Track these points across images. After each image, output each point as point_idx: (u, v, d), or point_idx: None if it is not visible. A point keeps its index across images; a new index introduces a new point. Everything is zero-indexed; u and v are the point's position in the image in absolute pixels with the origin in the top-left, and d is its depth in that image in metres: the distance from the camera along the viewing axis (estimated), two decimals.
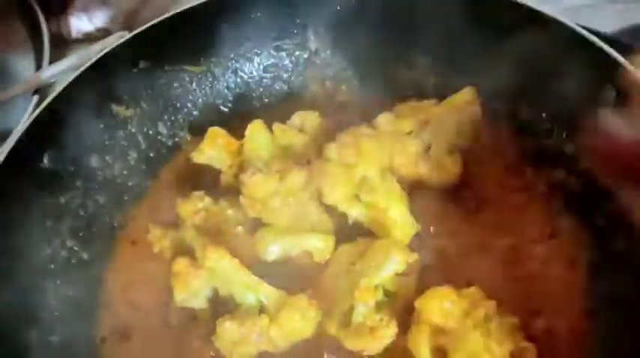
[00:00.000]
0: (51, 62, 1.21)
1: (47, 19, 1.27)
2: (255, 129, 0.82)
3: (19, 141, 0.79)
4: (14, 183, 0.78)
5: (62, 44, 1.31)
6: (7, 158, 0.77)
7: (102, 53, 0.89)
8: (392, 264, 0.71)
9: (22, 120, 1.06)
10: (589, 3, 1.18)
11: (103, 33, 1.36)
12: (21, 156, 0.79)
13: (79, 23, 1.35)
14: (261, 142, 0.82)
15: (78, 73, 0.87)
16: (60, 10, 1.34)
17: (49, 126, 0.83)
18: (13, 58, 1.29)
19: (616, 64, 0.77)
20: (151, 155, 0.96)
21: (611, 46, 0.80)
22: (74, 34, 1.35)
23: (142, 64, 0.92)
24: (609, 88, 0.78)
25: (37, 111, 0.81)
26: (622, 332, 0.72)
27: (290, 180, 0.77)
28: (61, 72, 1.19)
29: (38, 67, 1.21)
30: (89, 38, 1.35)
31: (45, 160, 0.82)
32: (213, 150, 0.86)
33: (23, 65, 1.26)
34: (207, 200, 0.84)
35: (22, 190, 0.79)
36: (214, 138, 0.86)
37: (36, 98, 1.16)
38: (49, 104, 0.83)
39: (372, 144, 0.81)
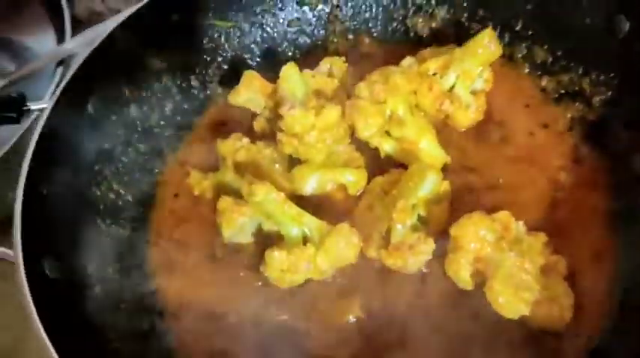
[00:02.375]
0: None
1: None
2: (290, 70, 0.86)
3: (65, 88, 0.82)
4: (63, 127, 0.81)
5: (76, 25, 1.34)
6: (54, 104, 0.80)
7: (136, 8, 0.92)
8: (428, 183, 0.75)
9: (49, 91, 1.11)
10: None
11: (115, 14, 1.39)
12: (67, 102, 0.82)
13: (92, 4, 1.39)
14: (295, 82, 0.86)
15: (113, 27, 0.90)
16: None
17: (91, 77, 0.86)
18: (35, 39, 1.32)
19: None
20: (185, 107, 1.00)
21: None
22: (88, 14, 1.39)
23: (173, 18, 0.96)
24: (622, 19, 0.83)
25: (83, 58, 0.85)
26: None
27: (326, 114, 0.82)
28: (83, 43, 1.23)
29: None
30: (102, 19, 1.38)
31: (89, 108, 0.86)
32: (249, 91, 0.91)
33: (46, 45, 1.30)
34: (245, 140, 0.88)
35: (69, 134, 0.83)
36: (250, 80, 0.91)
37: (60, 70, 1.20)
38: (90, 56, 0.87)
39: (400, 81, 0.85)
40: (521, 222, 0.76)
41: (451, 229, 0.74)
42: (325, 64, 0.96)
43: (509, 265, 0.69)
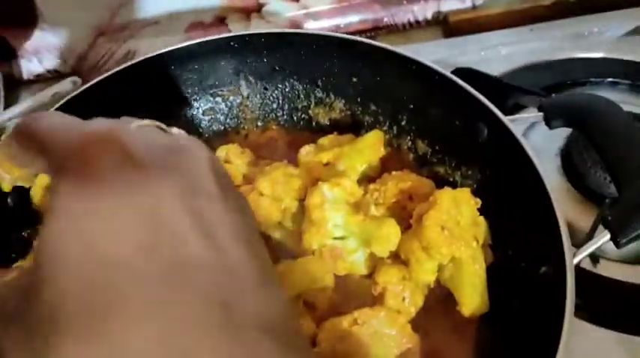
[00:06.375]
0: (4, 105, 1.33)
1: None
2: None
3: None
4: None
5: (13, 86, 1.43)
6: None
7: (57, 105, 1.02)
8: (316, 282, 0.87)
9: None
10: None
11: (53, 74, 1.49)
12: None
13: (30, 65, 1.48)
14: None
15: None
16: (11, 53, 1.46)
17: None
18: None
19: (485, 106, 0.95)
20: None
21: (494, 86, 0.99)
22: (25, 75, 1.48)
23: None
24: (482, 126, 0.97)
25: None
26: None
27: None
28: (17, 115, 1.31)
29: None
30: (40, 79, 1.48)
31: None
32: None
33: None
34: None
35: None
36: None
37: None
38: None
39: (299, 182, 0.98)
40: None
41: None
42: (221, 151, 1.08)
43: None
